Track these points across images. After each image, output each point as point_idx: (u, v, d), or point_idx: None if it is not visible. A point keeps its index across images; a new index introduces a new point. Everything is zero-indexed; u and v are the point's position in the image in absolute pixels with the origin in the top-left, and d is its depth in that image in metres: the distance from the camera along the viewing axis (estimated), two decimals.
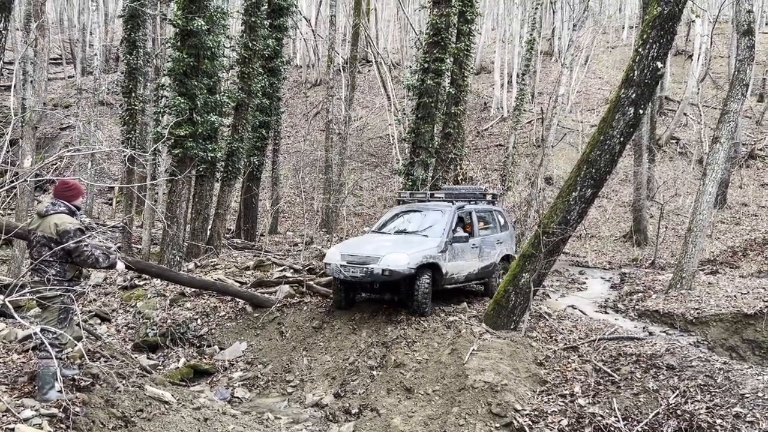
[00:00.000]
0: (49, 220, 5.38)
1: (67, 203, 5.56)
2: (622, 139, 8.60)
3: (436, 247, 9.99)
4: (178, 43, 13.90)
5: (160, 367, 9.66)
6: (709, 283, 13.35)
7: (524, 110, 23.25)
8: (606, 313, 12.46)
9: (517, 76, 31.20)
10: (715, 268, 16.01)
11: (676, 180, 25.73)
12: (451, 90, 17.47)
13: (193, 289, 11.99)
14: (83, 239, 5.33)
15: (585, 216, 9.40)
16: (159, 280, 12.06)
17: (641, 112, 8.60)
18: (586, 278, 16.83)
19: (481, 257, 11.12)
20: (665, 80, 33.05)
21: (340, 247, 10.47)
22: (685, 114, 31.82)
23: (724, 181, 23.06)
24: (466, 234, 10.75)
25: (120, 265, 5.85)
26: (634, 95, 8.38)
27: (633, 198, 22.77)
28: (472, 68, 26.65)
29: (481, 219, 11.57)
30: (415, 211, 11.51)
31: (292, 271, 13.42)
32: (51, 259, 5.27)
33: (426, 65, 15.37)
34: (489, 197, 12.46)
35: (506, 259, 11.93)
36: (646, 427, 6.51)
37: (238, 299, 11.60)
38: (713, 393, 6.69)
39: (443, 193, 12.13)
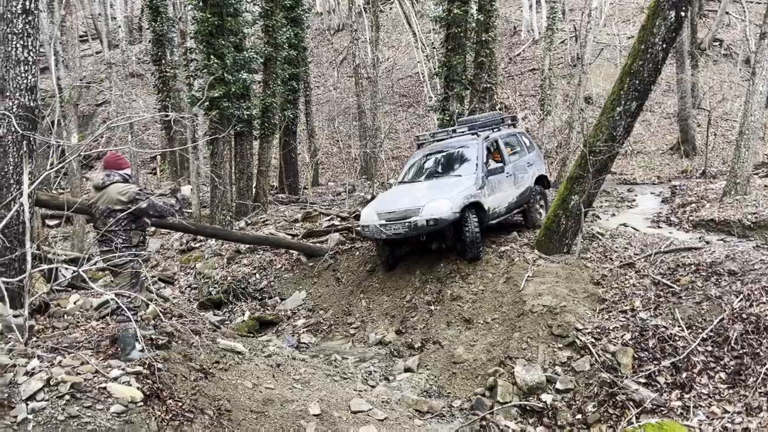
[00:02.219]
0: (110, 191, 5.57)
1: (120, 172, 5.73)
2: (664, 45, 8.26)
3: (474, 185, 9.54)
4: (200, 3, 13.84)
5: (227, 322, 10.08)
6: (765, 186, 12.97)
7: (557, 29, 22.42)
8: (659, 227, 12.28)
9: None
10: None
11: (722, 84, 24.65)
12: (479, 16, 16.94)
13: (247, 246, 12.33)
14: (149, 197, 5.57)
15: (631, 130, 9.16)
16: (214, 240, 12.44)
17: (683, 14, 8.21)
18: (636, 195, 16.53)
19: (516, 184, 10.63)
20: None
21: (374, 205, 9.93)
22: (727, 13, 30.14)
23: None
24: (501, 165, 10.25)
25: (185, 189, 6.07)
26: None
27: (678, 108, 21.97)
28: None
29: (507, 145, 10.97)
30: (439, 152, 10.83)
31: (339, 219, 13.62)
32: (116, 228, 5.49)
33: None
34: (509, 120, 11.94)
35: (540, 180, 11.40)
36: (711, 333, 6.51)
37: (291, 251, 11.88)
38: None
39: (463, 127, 11.26)
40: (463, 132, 10.97)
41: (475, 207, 9.40)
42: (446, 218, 8.97)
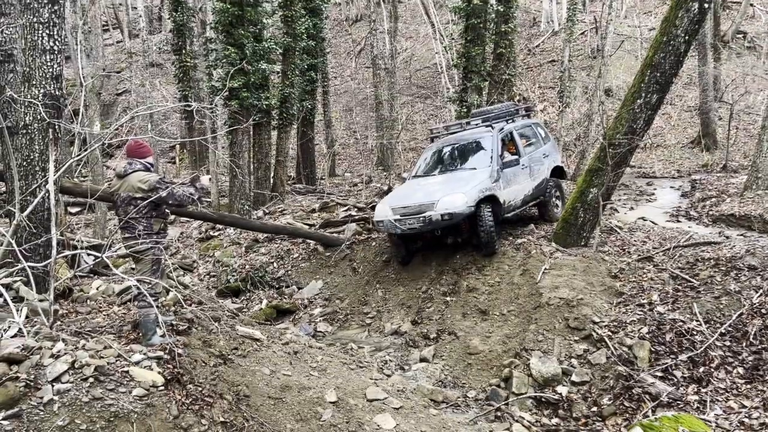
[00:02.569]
0: (131, 180, 5.65)
1: (142, 161, 5.81)
2: (687, 37, 8.17)
3: (488, 178, 9.45)
4: None
5: (245, 310, 10.20)
6: None
7: (577, 21, 22.18)
8: (678, 221, 12.18)
9: None
10: None
11: (745, 77, 24.24)
12: (499, 7, 16.83)
13: (265, 235, 12.45)
14: (169, 186, 5.62)
15: (652, 123, 9.09)
16: (232, 229, 12.57)
17: (706, 6, 8.12)
18: (655, 189, 16.38)
19: (532, 176, 10.53)
20: None
21: (388, 200, 9.86)
22: (751, 5, 29.59)
23: None
24: (516, 158, 10.13)
25: (204, 179, 6.08)
26: None
27: (699, 101, 21.67)
28: None
29: (522, 136, 10.82)
30: (454, 145, 10.68)
31: (356, 209, 13.68)
32: (137, 215, 5.58)
33: None
34: (524, 111, 11.75)
35: (556, 172, 11.29)
36: (730, 329, 6.48)
37: (308, 241, 11.97)
38: None
39: (477, 119, 11.03)
40: (477, 124, 10.81)
41: (491, 200, 9.32)
42: (461, 212, 8.90)
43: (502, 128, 10.44)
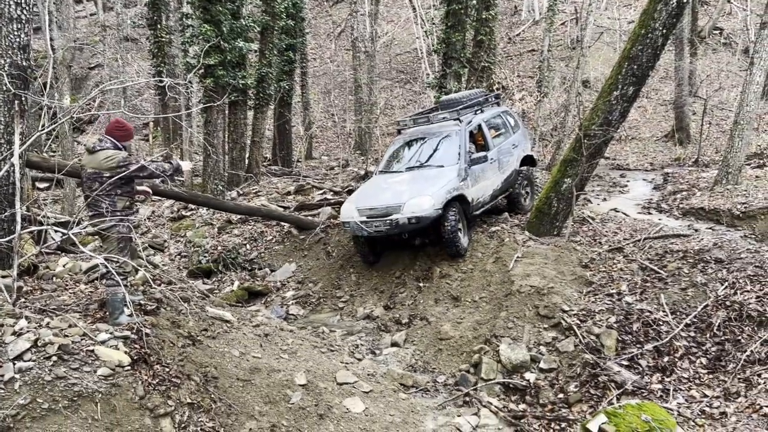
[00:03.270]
0: (97, 156, 5.53)
1: (116, 141, 5.67)
2: (664, 31, 8.23)
3: (456, 177, 9.15)
4: None
5: (216, 291, 10.10)
6: (756, 177, 13.03)
7: (557, 11, 22.22)
8: (649, 213, 12.34)
9: None
10: (762, 161, 15.53)
11: (719, 73, 24.60)
12: None
13: (239, 216, 12.32)
14: (138, 161, 5.53)
15: (627, 115, 9.17)
16: (205, 209, 12.41)
17: (684, 0, 8.17)
18: (628, 181, 16.57)
19: (501, 169, 10.28)
20: None
21: (354, 200, 9.48)
22: (728, 1, 29.96)
23: None
24: (484, 154, 9.80)
25: (185, 164, 5.97)
26: None
27: (674, 95, 21.94)
28: None
29: (491, 127, 10.54)
30: (420, 139, 10.28)
31: (332, 193, 13.61)
32: (101, 192, 5.46)
33: None
34: (493, 99, 11.43)
35: (526, 161, 11.09)
36: (695, 320, 6.61)
37: (283, 223, 11.88)
38: (763, 282, 6.70)
39: (445, 113, 10.27)
40: (444, 117, 10.20)
41: (458, 200, 9.09)
42: (428, 216, 8.65)
43: (470, 121, 10.12)
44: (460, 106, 10.44)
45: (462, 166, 9.35)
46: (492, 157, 10.01)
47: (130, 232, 5.66)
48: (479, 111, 10.57)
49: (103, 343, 5.14)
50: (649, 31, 8.24)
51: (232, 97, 15.03)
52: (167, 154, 5.75)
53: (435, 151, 9.90)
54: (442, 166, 9.48)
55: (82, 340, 5.13)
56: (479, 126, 10.23)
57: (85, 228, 5.81)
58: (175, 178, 5.90)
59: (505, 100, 24.62)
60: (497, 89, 20.21)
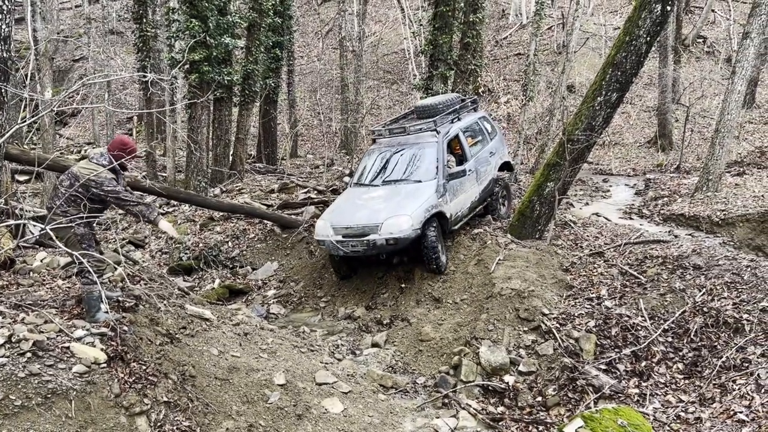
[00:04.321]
0: (89, 166, 5.48)
1: (114, 161, 5.57)
2: (648, 38, 8.31)
3: (435, 194, 8.86)
4: None
5: (196, 289, 10.03)
6: (736, 185, 13.22)
7: (544, 15, 22.35)
8: (631, 218, 12.48)
9: None
10: (742, 169, 15.76)
11: (702, 81, 24.89)
12: None
13: (221, 213, 12.24)
14: (116, 189, 5.40)
15: (610, 121, 9.25)
16: (187, 205, 12.31)
17: (669, 8, 8.26)
18: (610, 186, 16.75)
19: (479, 180, 10.01)
20: None
21: (330, 217, 9.09)
22: (713, 10, 30.35)
23: (754, 79, 22.21)
24: (463, 168, 9.51)
25: (164, 224, 5.70)
26: None
27: (658, 102, 22.17)
28: None
29: (469, 135, 10.23)
30: (396, 150, 9.81)
31: (316, 192, 13.58)
32: (73, 198, 5.39)
33: None
34: (470, 104, 11.07)
35: (504, 167, 10.94)
36: (673, 325, 6.68)
37: (266, 221, 11.83)
38: (740, 290, 6.78)
39: (422, 123, 9.83)
40: (421, 129, 9.75)
41: (437, 216, 8.86)
42: (407, 237, 8.40)
43: (448, 131, 9.75)
44: (437, 114, 10.06)
45: (440, 182, 9.06)
46: (470, 169, 9.77)
47: (87, 227, 5.53)
48: (456, 119, 10.27)
49: (79, 339, 5.08)
50: (634, 38, 8.32)
51: (217, 94, 14.93)
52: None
53: (412, 164, 9.51)
54: (420, 181, 9.16)
55: (57, 336, 5.07)
56: (457, 136, 9.94)
57: (60, 224, 5.73)
58: (147, 218, 5.63)
59: (491, 103, 24.73)
60: (483, 92, 20.28)
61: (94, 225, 5.64)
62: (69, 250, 5.50)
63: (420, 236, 8.54)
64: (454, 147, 9.97)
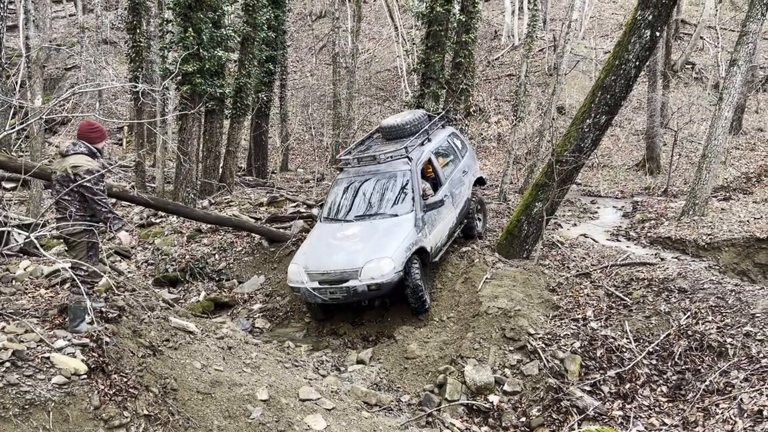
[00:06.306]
0: (68, 160, 5.43)
1: (89, 145, 5.56)
2: (637, 63, 8.44)
3: (414, 228, 8.33)
4: None
5: (181, 301, 9.95)
6: (722, 209, 13.34)
7: (536, 37, 22.64)
8: (618, 240, 12.55)
9: (529, 1, 30.18)
10: (728, 194, 15.92)
11: (690, 106, 25.22)
12: (461, 17, 16.98)
13: (209, 226, 12.17)
14: (95, 179, 5.36)
15: (599, 143, 9.36)
16: (175, 217, 12.24)
17: (658, 34, 8.41)
18: (598, 207, 16.86)
19: (455, 203, 9.55)
20: (682, 2, 31.91)
21: (303, 260, 8.44)
22: (701, 37, 30.88)
23: (740, 106, 22.57)
24: (440, 198, 8.94)
25: (124, 236, 5.69)
26: (650, 17, 8.17)
27: (646, 126, 22.43)
28: None
29: (441, 156, 9.76)
30: (366, 178, 9.19)
31: (305, 206, 13.54)
32: (69, 197, 5.35)
33: None
34: (438, 121, 10.43)
35: (477, 182, 10.55)
36: (657, 348, 6.70)
37: (254, 234, 11.77)
38: (724, 314, 6.83)
39: (391, 149, 9.20)
40: (391, 156, 9.09)
41: (417, 252, 8.31)
42: (390, 281, 7.90)
43: (420, 156, 9.19)
44: (405, 136, 9.65)
45: (418, 215, 8.53)
46: (446, 194, 9.24)
47: (96, 238, 5.56)
48: (426, 140, 9.70)
49: (60, 350, 5.01)
50: (623, 62, 8.44)
51: (209, 106, 14.93)
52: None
53: (385, 195, 8.92)
54: (396, 215, 8.60)
55: (38, 346, 5.00)
56: (429, 159, 9.44)
57: (50, 231, 5.68)
58: (111, 226, 5.59)
59: (481, 122, 24.87)
60: (474, 111, 20.40)
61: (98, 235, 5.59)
62: (54, 259, 5.46)
63: (403, 278, 8.06)
64: (427, 171, 9.50)
